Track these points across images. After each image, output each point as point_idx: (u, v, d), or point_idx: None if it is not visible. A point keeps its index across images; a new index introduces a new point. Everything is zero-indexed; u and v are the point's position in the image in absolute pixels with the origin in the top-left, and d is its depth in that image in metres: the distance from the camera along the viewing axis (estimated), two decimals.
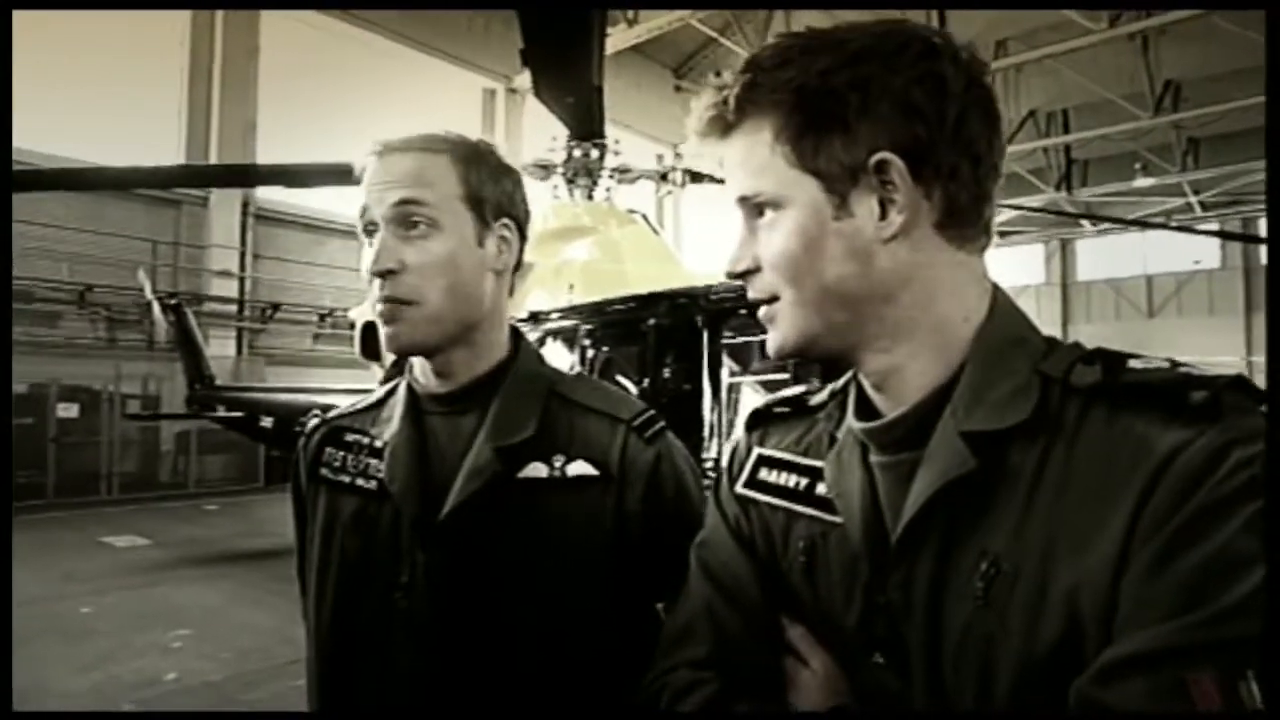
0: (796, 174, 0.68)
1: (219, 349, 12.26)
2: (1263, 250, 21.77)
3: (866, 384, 0.75)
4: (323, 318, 14.05)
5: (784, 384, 4.13)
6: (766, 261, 0.71)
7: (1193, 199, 21.69)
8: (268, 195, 13.37)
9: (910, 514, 0.67)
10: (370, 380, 7.06)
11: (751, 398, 4.43)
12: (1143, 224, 13.82)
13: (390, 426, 1.00)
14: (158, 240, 12.48)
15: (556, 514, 0.93)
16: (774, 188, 0.69)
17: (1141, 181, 20.25)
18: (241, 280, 13.34)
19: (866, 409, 0.75)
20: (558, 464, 0.94)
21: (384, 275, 0.91)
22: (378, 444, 1.00)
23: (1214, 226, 21.65)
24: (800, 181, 0.68)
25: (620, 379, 4.40)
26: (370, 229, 0.94)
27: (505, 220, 0.99)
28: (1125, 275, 24.34)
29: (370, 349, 6.62)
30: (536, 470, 0.94)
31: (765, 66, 0.69)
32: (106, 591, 6.14)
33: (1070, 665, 0.58)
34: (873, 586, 0.71)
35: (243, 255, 13.33)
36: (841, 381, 0.83)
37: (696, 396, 4.11)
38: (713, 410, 4.09)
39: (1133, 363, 0.65)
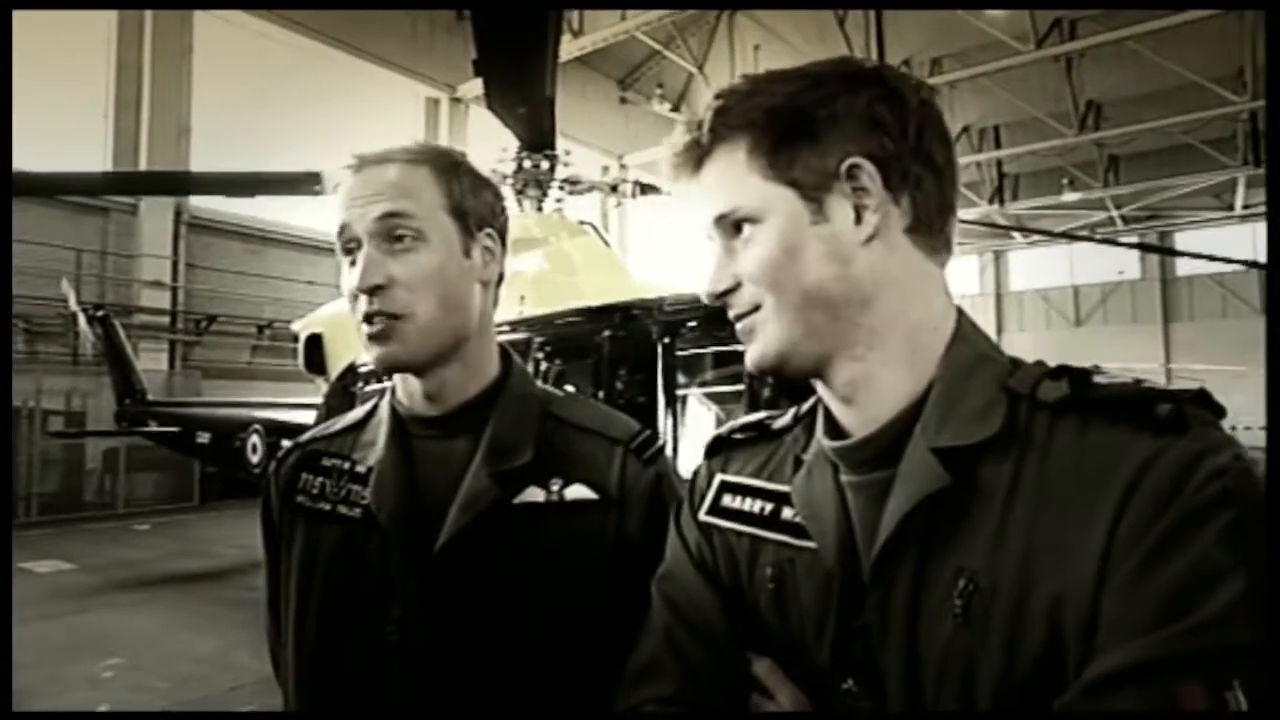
0: (773, 186, 0.71)
1: (151, 362, 11.76)
2: (1178, 263, 23.04)
3: (834, 400, 0.74)
4: (261, 329, 13.61)
5: (735, 396, 4.18)
6: (746, 275, 0.72)
7: (1114, 213, 22.82)
8: (200, 203, 12.88)
9: (886, 534, 0.67)
10: (314, 394, 6.86)
11: (699, 410, 4.45)
12: (1070, 236, 14.53)
13: (375, 450, 0.96)
14: (83, 249, 11.92)
15: (555, 539, 0.90)
16: (752, 200, 0.71)
17: (1068, 196, 21.25)
18: (174, 291, 12.84)
19: (835, 429, 0.75)
20: (555, 488, 0.92)
21: (371, 292, 0.88)
22: (360, 469, 0.96)
23: (1134, 239, 22.77)
24: (777, 193, 0.71)
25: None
26: (351, 246, 0.91)
27: (488, 230, 0.97)
28: (1054, 285, 25.40)
29: (314, 363, 6.44)
30: (533, 495, 0.91)
31: (737, 93, 0.73)
32: (28, 621, 5.76)
33: (1051, 681, 0.58)
34: (848, 609, 0.70)
35: (175, 265, 12.82)
36: (806, 405, 0.83)
37: (651, 409, 4.11)
38: (667, 423, 4.10)
39: (1098, 378, 0.66)
